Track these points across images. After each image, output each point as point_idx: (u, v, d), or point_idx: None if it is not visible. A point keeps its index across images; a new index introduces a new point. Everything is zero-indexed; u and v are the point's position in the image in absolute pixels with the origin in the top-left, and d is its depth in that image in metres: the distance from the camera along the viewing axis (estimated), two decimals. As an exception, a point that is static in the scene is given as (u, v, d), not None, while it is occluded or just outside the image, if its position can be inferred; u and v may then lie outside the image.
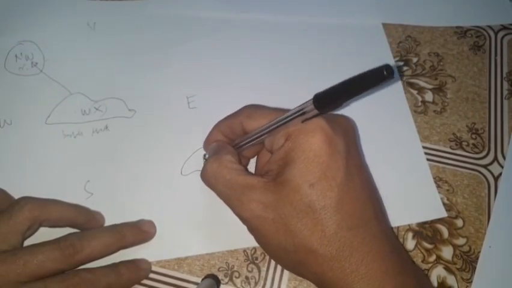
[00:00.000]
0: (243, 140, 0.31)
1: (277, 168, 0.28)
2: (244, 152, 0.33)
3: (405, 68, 0.41)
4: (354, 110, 0.38)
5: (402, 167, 0.36)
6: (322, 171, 0.26)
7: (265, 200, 0.27)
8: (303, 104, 0.27)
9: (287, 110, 0.28)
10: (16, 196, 0.34)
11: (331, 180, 0.26)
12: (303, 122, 0.27)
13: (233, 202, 0.29)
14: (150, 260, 0.33)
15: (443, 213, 0.35)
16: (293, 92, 0.38)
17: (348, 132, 0.29)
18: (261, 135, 0.30)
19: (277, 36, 0.42)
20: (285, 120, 0.28)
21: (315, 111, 0.26)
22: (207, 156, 0.36)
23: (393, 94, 0.39)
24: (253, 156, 0.35)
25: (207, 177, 0.30)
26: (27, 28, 0.41)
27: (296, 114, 0.27)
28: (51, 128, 0.37)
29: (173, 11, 0.43)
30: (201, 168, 0.35)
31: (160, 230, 0.33)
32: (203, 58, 0.40)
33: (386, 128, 0.38)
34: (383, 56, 0.41)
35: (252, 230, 0.29)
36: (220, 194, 0.30)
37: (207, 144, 0.34)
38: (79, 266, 0.30)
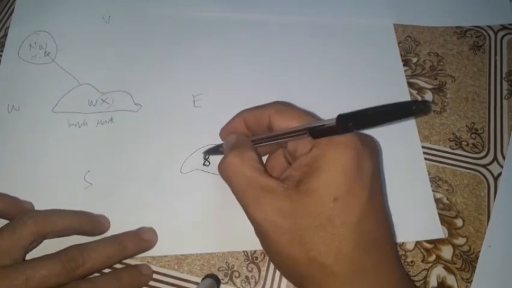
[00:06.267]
0: (266, 138, 0.30)
1: (301, 175, 0.27)
2: (257, 149, 0.31)
3: (405, 68, 0.41)
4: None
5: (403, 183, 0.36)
6: (348, 187, 0.25)
7: (283, 206, 0.26)
8: (327, 120, 0.26)
9: (317, 117, 0.27)
10: (17, 181, 0.35)
11: (355, 198, 0.26)
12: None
13: (248, 200, 0.27)
14: (148, 255, 0.32)
15: (440, 234, 0.34)
16: (304, 93, 0.39)
17: (374, 155, 0.28)
18: (287, 137, 0.28)
19: (286, 37, 0.42)
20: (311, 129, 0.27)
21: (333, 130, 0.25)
22: (207, 156, 0.36)
23: (399, 97, 0.39)
24: (264, 155, 0.34)
25: (226, 169, 0.29)
26: (43, 18, 0.42)
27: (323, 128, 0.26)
28: (57, 116, 0.38)
29: (187, 11, 0.43)
30: (200, 168, 0.35)
31: (156, 225, 0.33)
32: (212, 57, 0.41)
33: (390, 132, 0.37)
34: (391, 56, 0.41)
35: (260, 234, 0.28)
36: (235, 190, 0.28)
37: (225, 132, 0.33)
38: (80, 279, 0.29)
